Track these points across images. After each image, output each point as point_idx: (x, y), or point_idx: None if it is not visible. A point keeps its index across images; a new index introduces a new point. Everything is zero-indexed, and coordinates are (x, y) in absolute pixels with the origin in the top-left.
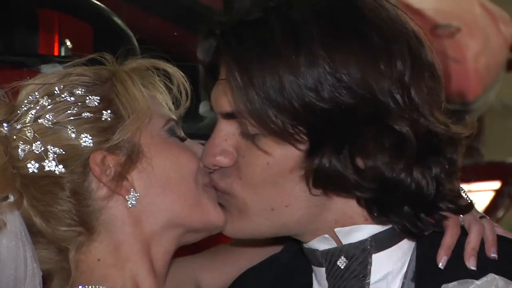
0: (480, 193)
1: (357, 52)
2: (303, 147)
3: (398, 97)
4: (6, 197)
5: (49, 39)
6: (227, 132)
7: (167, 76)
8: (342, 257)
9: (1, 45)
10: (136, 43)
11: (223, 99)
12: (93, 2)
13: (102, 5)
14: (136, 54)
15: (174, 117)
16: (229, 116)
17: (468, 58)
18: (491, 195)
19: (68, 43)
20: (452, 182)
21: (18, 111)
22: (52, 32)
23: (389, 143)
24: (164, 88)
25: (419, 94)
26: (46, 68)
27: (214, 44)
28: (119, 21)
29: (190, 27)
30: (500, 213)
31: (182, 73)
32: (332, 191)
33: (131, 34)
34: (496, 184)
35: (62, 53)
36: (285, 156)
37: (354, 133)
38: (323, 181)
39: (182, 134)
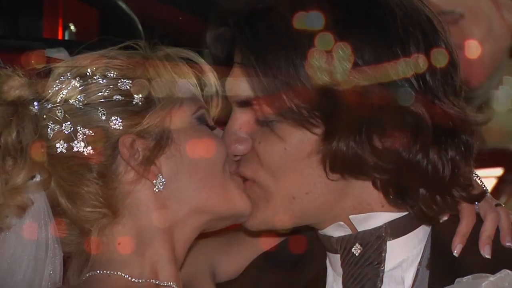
0: (483, 180)
1: (371, 36)
2: (318, 131)
3: (412, 79)
4: (33, 177)
5: (53, 23)
6: (242, 121)
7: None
8: (357, 244)
9: (5, 29)
10: (140, 27)
11: (238, 86)
12: None
13: None
14: (141, 39)
15: (205, 104)
16: (244, 103)
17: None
18: (493, 182)
19: (72, 27)
20: (468, 165)
21: (50, 91)
22: (56, 16)
23: (406, 124)
24: (195, 79)
25: (433, 77)
26: (50, 52)
27: (227, 33)
28: (123, 5)
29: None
30: (502, 200)
31: (213, 70)
32: (350, 174)
33: (136, 18)
34: (499, 171)
35: (66, 37)
36: (301, 141)
37: (370, 115)
38: (341, 164)
39: (212, 123)
